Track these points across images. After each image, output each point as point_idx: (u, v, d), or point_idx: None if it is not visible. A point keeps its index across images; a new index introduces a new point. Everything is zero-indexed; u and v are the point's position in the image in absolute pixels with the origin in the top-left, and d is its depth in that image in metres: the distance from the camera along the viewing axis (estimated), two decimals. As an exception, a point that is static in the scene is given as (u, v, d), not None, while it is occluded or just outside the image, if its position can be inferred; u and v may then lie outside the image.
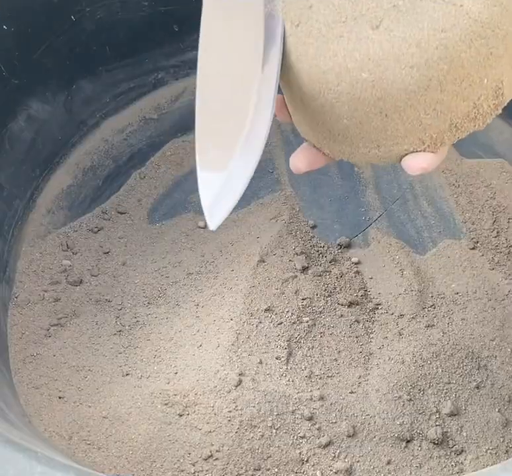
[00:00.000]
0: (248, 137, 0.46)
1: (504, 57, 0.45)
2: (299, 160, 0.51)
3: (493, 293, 0.69)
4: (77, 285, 0.71)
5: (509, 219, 0.74)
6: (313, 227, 0.75)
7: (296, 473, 0.59)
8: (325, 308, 0.68)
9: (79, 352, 0.67)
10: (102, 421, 0.62)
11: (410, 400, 0.62)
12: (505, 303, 0.68)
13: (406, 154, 0.47)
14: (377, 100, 0.44)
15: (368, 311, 0.69)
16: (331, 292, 0.70)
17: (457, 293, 0.69)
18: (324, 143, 0.49)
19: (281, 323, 0.66)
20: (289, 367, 0.64)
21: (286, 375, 0.63)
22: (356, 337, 0.67)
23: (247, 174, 0.46)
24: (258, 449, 0.59)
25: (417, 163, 0.47)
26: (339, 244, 0.74)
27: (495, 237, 0.73)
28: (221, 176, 0.46)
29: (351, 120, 0.46)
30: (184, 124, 0.83)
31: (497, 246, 0.72)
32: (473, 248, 0.72)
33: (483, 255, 0.72)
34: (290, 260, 0.71)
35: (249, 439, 0.59)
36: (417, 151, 0.47)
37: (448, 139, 0.47)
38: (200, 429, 0.60)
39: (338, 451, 0.59)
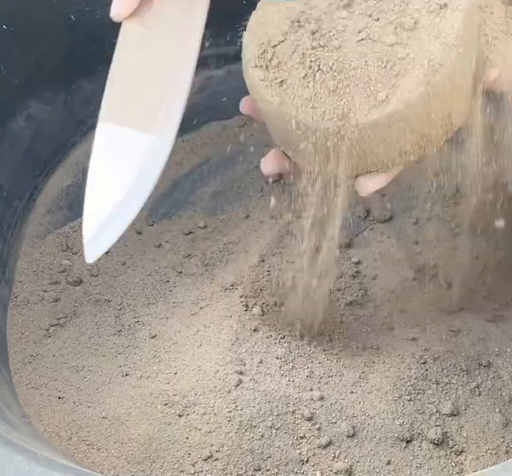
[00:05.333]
0: (138, 178, 0.51)
1: (452, 91, 0.47)
2: (270, 163, 0.55)
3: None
4: (76, 285, 0.71)
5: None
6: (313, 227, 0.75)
7: (296, 473, 0.59)
8: (326, 308, 0.68)
9: (78, 352, 0.67)
10: (101, 421, 0.62)
11: (410, 400, 0.62)
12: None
13: (361, 173, 0.51)
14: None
15: (368, 310, 0.69)
16: (331, 292, 0.70)
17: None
18: (290, 155, 0.53)
19: (282, 323, 0.67)
20: (289, 367, 0.64)
21: (286, 375, 0.63)
22: (357, 337, 0.67)
23: (130, 216, 0.50)
24: (258, 449, 0.59)
25: (367, 187, 0.52)
26: (339, 244, 0.73)
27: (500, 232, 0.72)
28: (105, 213, 0.50)
29: (307, 146, 0.49)
30: (184, 124, 0.83)
31: (501, 242, 0.72)
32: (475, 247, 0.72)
33: (488, 253, 0.72)
34: (289, 260, 0.71)
35: (248, 440, 0.59)
36: (370, 172, 0.51)
37: (399, 163, 0.51)
38: (200, 429, 0.60)
39: (338, 451, 0.59)
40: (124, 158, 0.52)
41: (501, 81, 0.49)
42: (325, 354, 0.65)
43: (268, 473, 0.58)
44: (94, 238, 0.51)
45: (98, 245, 0.51)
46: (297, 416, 0.61)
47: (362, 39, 0.47)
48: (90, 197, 0.52)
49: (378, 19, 0.47)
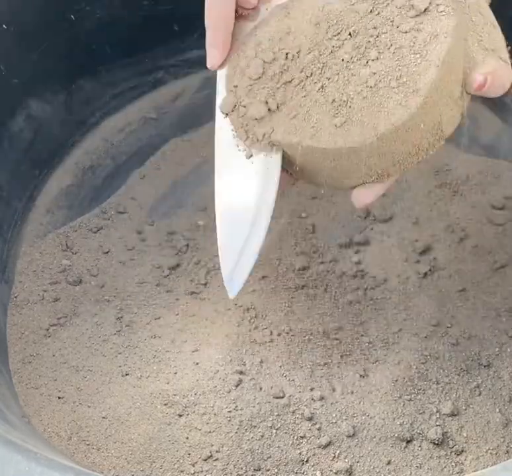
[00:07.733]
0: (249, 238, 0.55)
1: (440, 100, 0.48)
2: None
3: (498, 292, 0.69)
4: (76, 285, 0.71)
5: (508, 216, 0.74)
6: (313, 227, 0.75)
7: (296, 473, 0.59)
8: (326, 308, 0.68)
9: (78, 352, 0.67)
10: (101, 421, 0.62)
11: (410, 400, 0.62)
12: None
13: (356, 185, 0.53)
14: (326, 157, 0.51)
15: (368, 310, 0.68)
16: (331, 292, 0.70)
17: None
18: (290, 170, 0.55)
19: (282, 323, 0.66)
20: (289, 367, 0.64)
21: (286, 375, 0.63)
22: (357, 337, 0.67)
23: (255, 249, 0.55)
24: (258, 449, 0.59)
25: (362, 200, 0.54)
26: (339, 244, 0.73)
27: (499, 232, 0.72)
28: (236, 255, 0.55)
29: (305, 166, 0.52)
30: (184, 124, 0.83)
31: (501, 243, 0.72)
32: (475, 246, 0.72)
33: (488, 253, 0.71)
34: (290, 260, 0.71)
35: (248, 440, 0.59)
36: (366, 182, 0.53)
37: (394, 173, 0.52)
38: (200, 429, 0.60)
39: (338, 451, 0.59)
40: None
41: (487, 87, 0.49)
42: (325, 354, 0.65)
43: (268, 473, 0.58)
44: (230, 276, 0.56)
45: (236, 281, 0.56)
46: (297, 416, 0.61)
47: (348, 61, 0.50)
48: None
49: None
